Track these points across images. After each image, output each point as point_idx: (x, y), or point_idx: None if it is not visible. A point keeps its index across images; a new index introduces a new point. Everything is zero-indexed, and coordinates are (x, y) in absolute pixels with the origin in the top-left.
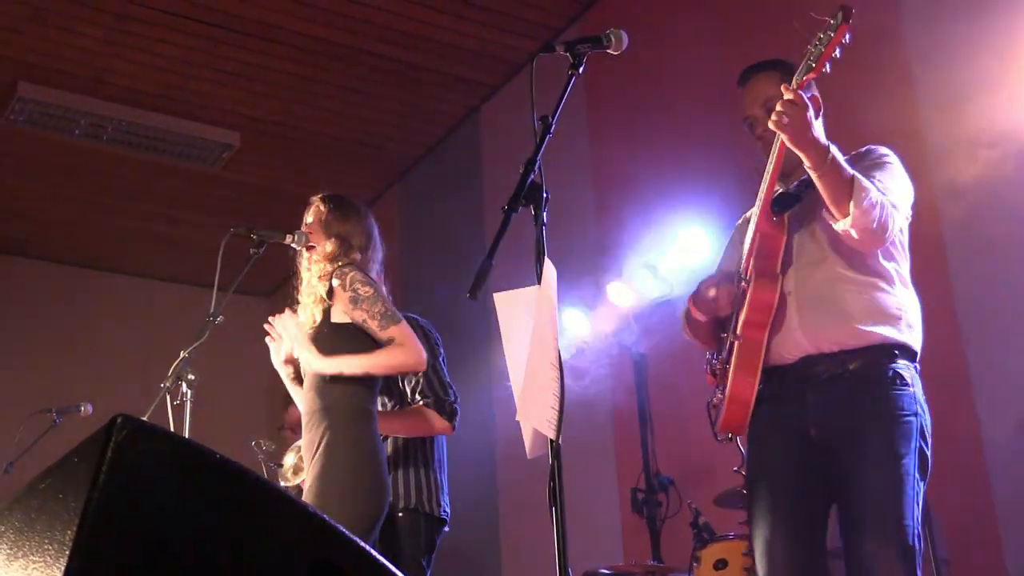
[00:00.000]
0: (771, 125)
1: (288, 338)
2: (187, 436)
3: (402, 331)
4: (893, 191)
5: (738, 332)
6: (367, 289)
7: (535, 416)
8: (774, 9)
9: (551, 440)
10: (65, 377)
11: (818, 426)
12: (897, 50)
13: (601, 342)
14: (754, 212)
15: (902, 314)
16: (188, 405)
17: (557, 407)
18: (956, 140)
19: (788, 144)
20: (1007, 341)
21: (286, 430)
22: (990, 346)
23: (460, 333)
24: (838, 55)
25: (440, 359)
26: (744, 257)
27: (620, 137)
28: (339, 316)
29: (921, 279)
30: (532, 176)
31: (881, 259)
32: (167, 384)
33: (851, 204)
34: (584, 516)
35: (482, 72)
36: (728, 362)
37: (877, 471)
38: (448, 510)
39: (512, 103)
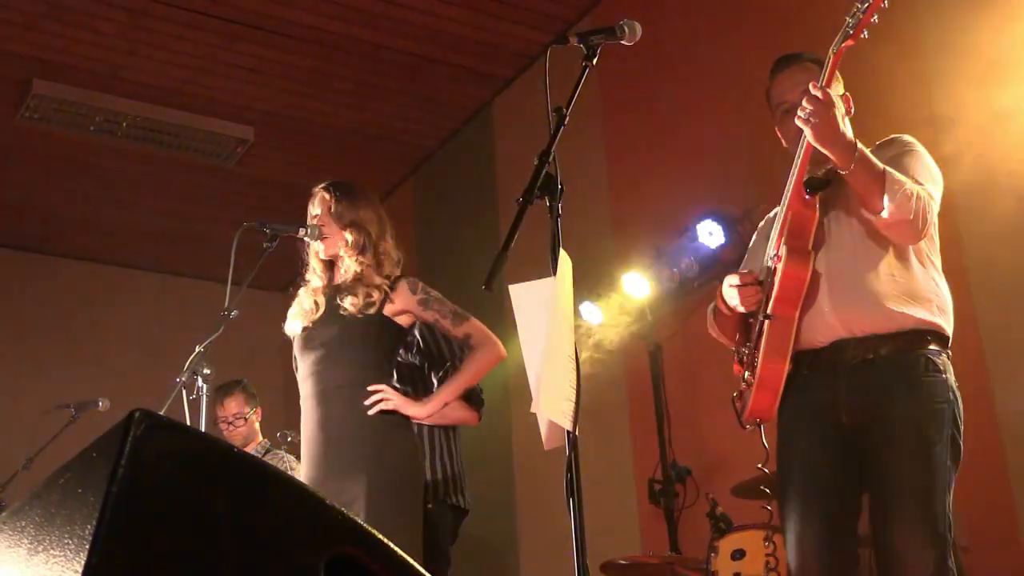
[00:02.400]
0: (796, 121)
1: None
2: (203, 430)
3: (475, 326)
4: (926, 179)
5: (769, 311)
6: (435, 292)
7: (551, 407)
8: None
9: (568, 431)
10: (82, 372)
11: (850, 413)
12: (911, 23)
13: (617, 333)
14: (785, 194)
15: (934, 297)
16: (204, 399)
17: (574, 398)
18: (967, 116)
19: (812, 142)
20: None
21: (221, 423)
22: (1007, 330)
23: None
24: (876, 21)
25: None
26: (775, 238)
27: (634, 128)
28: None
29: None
30: (547, 168)
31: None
32: (182, 378)
33: (885, 198)
34: (601, 507)
35: (495, 65)
36: (757, 347)
37: (909, 459)
38: (469, 501)
39: (526, 95)
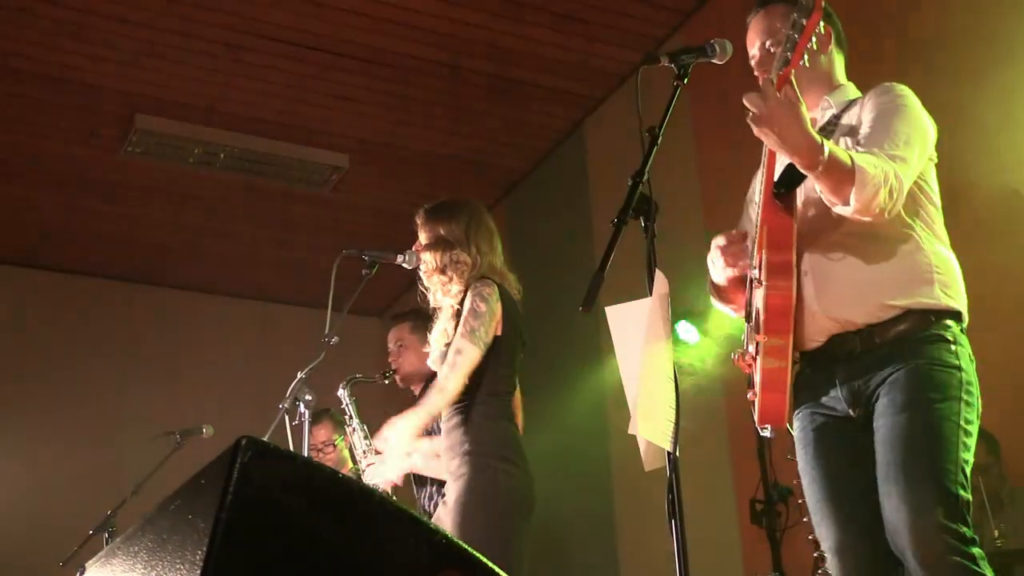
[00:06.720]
0: (752, 127)
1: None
2: (307, 456)
3: (459, 360)
4: (913, 141)
5: (760, 334)
6: (482, 305)
7: (651, 428)
8: (875, 13)
9: (668, 452)
10: (186, 399)
11: (855, 404)
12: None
13: (715, 352)
14: (755, 201)
15: (935, 275)
16: (306, 425)
17: (674, 419)
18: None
19: (773, 148)
20: None
21: (311, 451)
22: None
23: (571, 347)
24: (815, 46)
25: None
26: (755, 242)
27: (726, 145)
28: None
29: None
30: (640, 188)
31: (904, 214)
32: (285, 405)
33: (852, 193)
34: (702, 528)
35: (585, 85)
36: (756, 356)
37: (906, 413)
38: None
39: (617, 115)
